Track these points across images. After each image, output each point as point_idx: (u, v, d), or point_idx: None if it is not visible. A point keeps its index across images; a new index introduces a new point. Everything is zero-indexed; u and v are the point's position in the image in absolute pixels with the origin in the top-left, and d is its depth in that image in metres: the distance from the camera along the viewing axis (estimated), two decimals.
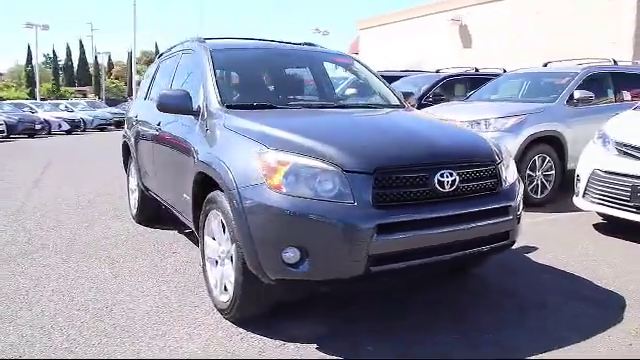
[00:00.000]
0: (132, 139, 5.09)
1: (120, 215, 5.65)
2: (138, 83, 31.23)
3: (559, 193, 6.29)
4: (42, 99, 36.05)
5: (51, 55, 67.33)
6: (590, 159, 4.97)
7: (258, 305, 2.82)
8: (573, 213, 5.51)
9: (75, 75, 67.74)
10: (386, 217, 2.45)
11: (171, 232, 4.89)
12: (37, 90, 42.66)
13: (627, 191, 4.47)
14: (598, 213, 5.20)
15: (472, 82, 9.54)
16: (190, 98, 3.41)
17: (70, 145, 16.56)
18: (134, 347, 2.65)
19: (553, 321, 2.98)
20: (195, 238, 4.50)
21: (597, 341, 2.73)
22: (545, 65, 8.06)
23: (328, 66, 4.48)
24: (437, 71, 10.91)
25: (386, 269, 2.50)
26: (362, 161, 2.52)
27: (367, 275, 2.45)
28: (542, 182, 6.17)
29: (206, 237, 3.14)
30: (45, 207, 6.11)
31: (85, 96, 52.39)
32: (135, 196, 5.31)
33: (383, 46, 22.27)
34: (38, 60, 47.99)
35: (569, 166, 6.29)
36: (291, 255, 2.43)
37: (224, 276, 2.93)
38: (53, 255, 4.22)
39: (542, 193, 6.18)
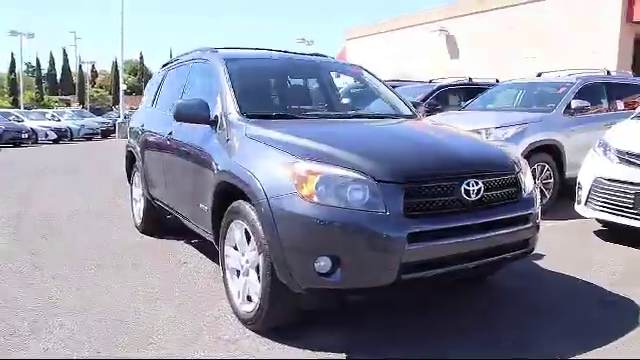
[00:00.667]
0: (138, 148, 5.06)
1: (123, 225, 5.59)
2: (125, 92, 31.17)
3: (557, 201, 6.39)
4: (26, 108, 35.58)
5: (33, 64, 66.64)
6: (592, 167, 5.07)
7: (285, 315, 2.82)
8: (573, 220, 5.60)
9: (58, 84, 67.03)
10: (417, 226, 2.48)
11: (178, 242, 4.86)
12: (21, 99, 42.13)
13: (630, 198, 4.57)
14: (598, 220, 5.29)
15: (466, 92, 9.67)
16: (208, 107, 3.41)
17: (60, 154, 16.37)
18: (161, 357, 2.63)
19: (572, 325, 3.04)
20: (204, 248, 4.52)
21: (620, 344, 2.79)
22: (539, 75, 8.23)
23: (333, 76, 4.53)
24: (430, 81, 11.05)
25: (416, 277, 2.53)
26: (393, 171, 2.55)
27: (398, 283, 2.48)
28: (541, 190, 6.26)
29: (227, 247, 3.13)
30: (44, 217, 6.02)
31: (68, 105, 51.88)
32: (140, 206, 5.27)
33: (370, 56, 22.43)
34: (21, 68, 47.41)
35: (567, 174, 6.40)
36: (323, 264, 2.44)
37: (248, 286, 2.93)
38: (61, 266, 4.17)
39: (541, 201, 6.23)
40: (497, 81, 9.94)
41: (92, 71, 69.59)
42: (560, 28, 14.62)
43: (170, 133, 4.12)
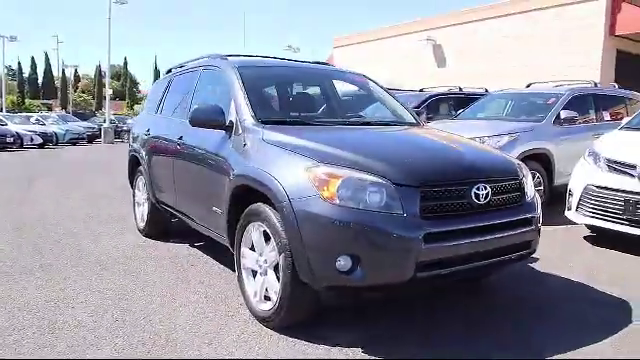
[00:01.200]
0: (143, 153, 5.13)
1: (125, 229, 5.65)
2: (115, 97, 30.89)
3: (547, 208, 6.60)
4: (7, 111, 35.11)
5: (13, 67, 65.84)
6: (582, 175, 5.29)
7: (304, 312, 2.94)
8: (563, 226, 5.81)
9: (40, 88, 66.22)
10: (432, 227, 2.63)
11: (183, 245, 4.94)
12: (3, 102, 41.59)
13: (620, 205, 4.79)
14: (587, 226, 5.51)
15: (456, 101, 9.90)
16: (223, 113, 3.53)
17: (48, 158, 16.25)
18: (186, 354, 2.73)
19: (571, 323, 3.21)
20: (210, 251, 4.64)
21: (616, 339, 2.97)
22: (528, 86, 8.50)
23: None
24: (421, 90, 11.26)
25: (431, 274, 2.68)
26: (410, 175, 2.70)
27: (414, 280, 2.62)
28: None
29: (243, 248, 3.25)
30: (44, 221, 6.04)
31: (50, 109, 51.24)
32: (143, 210, 5.34)
33: (358, 64, 22.66)
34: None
35: (556, 182, 6.63)
36: (344, 263, 2.58)
37: (266, 285, 3.04)
38: (70, 268, 4.22)
39: None
40: (486, 91, 10.21)
41: (75, 75, 68.89)
42: (546, 40, 15.05)
43: (180, 138, 4.22)
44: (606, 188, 4.95)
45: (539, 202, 3.34)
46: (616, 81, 12.08)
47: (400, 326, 3.13)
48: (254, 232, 3.11)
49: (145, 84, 76.36)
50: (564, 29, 14.59)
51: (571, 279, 4.09)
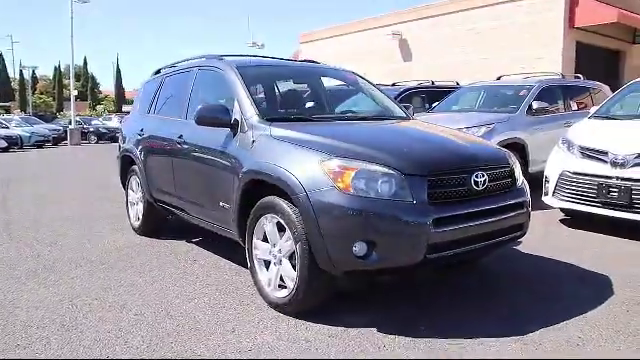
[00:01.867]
0: (138, 152, 5.19)
1: (120, 228, 5.70)
2: (76, 98, 30.12)
3: None
4: None
5: None
6: (558, 162, 5.63)
7: (320, 297, 3.13)
8: (539, 211, 6.14)
9: None
10: (439, 212, 2.86)
11: (180, 242, 5.05)
12: None
13: (593, 189, 5.15)
14: (562, 210, 5.87)
15: (429, 95, 10.20)
16: (228, 111, 3.67)
17: (18, 162, 15.88)
18: (212, 342, 2.87)
19: (560, 299, 3.50)
20: (208, 246, 4.82)
21: (604, 310, 3.26)
22: (498, 79, 8.86)
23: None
24: (393, 84, 11.53)
25: (440, 256, 2.92)
26: (417, 166, 2.93)
27: (424, 262, 2.85)
28: None
29: (255, 240, 3.41)
30: (36, 223, 6.03)
31: (8, 112, 49.58)
32: (138, 209, 5.40)
33: (325, 60, 22.79)
34: None
35: (531, 169, 6.99)
36: (360, 248, 2.78)
37: (281, 274, 3.22)
38: (74, 268, 4.29)
39: None
40: (457, 84, 10.55)
41: (32, 77, 66.68)
42: (510, 32, 15.55)
43: (180, 137, 4.32)
44: (580, 174, 5.30)
45: (527, 188, 3.62)
46: (576, 71, 12.67)
47: (409, 310, 3.34)
48: (267, 224, 3.27)
49: (105, 84, 74.75)
50: (525, 22, 15.13)
51: (554, 258, 4.41)
